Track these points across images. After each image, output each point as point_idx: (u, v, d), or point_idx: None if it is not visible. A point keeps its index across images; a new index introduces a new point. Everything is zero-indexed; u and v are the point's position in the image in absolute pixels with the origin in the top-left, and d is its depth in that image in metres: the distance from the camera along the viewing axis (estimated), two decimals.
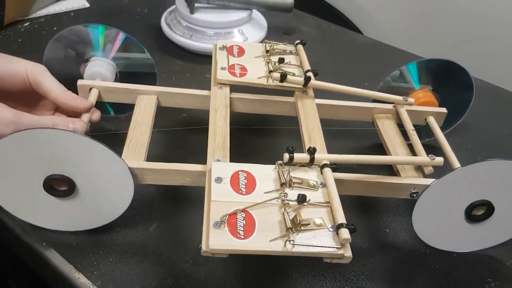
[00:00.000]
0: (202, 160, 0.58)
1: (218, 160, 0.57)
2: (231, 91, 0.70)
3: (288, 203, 0.51)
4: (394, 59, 1.02)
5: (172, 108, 0.73)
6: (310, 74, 0.71)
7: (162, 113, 0.73)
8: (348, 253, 0.48)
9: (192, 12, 0.96)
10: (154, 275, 0.58)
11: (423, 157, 0.65)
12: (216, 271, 0.59)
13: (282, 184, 0.54)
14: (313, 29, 1.13)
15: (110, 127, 0.75)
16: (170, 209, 0.66)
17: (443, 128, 0.75)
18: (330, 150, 0.62)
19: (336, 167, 0.57)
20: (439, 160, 0.64)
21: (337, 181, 0.56)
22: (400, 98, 0.73)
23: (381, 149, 0.73)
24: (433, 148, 0.72)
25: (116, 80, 0.74)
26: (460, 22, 1.36)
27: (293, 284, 0.59)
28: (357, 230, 0.65)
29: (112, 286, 0.57)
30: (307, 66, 0.73)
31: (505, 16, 1.29)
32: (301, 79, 0.69)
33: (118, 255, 0.60)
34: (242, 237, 0.48)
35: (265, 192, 0.53)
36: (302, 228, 0.49)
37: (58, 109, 0.68)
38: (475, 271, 0.64)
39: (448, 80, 0.77)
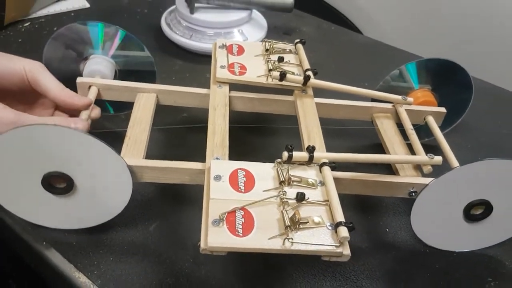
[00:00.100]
0: (202, 159, 0.58)
1: (217, 158, 0.57)
2: (230, 89, 0.70)
3: (287, 201, 0.51)
4: (394, 59, 1.02)
5: (173, 108, 0.73)
6: (309, 73, 0.71)
7: (163, 113, 0.73)
8: (346, 251, 0.49)
9: (192, 12, 0.96)
10: (154, 274, 0.58)
11: (421, 156, 0.65)
12: (216, 270, 0.59)
13: (281, 183, 0.54)
14: (313, 29, 1.13)
15: (109, 126, 0.75)
16: (170, 208, 0.66)
17: (442, 128, 0.75)
18: (329, 149, 0.62)
19: (335, 165, 0.57)
20: (438, 159, 0.64)
21: (336, 180, 0.56)
22: (399, 97, 0.73)
23: (380, 148, 0.73)
24: (432, 148, 0.71)
25: (115, 78, 0.74)
26: (460, 22, 1.36)
27: (293, 283, 0.59)
28: (357, 230, 0.65)
29: (112, 285, 0.57)
30: (306, 65, 0.73)
31: (505, 16, 1.29)
32: (301, 78, 0.69)
33: (118, 254, 0.60)
34: (241, 235, 0.48)
35: (264, 190, 0.53)
36: (301, 226, 0.49)
37: (57, 107, 0.69)
38: (475, 270, 0.64)
39: (447, 80, 0.77)
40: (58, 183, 0.57)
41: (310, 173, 0.56)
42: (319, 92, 0.72)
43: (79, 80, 0.69)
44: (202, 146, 0.60)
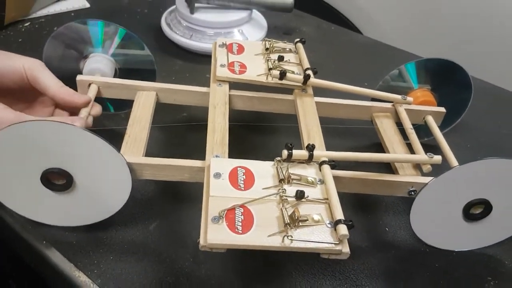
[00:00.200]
0: (202, 157, 0.58)
1: (217, 156, 0.57)
2: (230, 88, 0.70)
3: (287, 199, 0.52)
4: (394, 59, 1.02)
5: (173, 107, 0.73)
6: (309, 72, 0.71)
7: (163, 112, 0.73)
8: (346, 249, 0.49)
9: (192, 12, 0.96)
10: (154, 273, 0.58)
11: (421, 155, 0.65)
12: (216, 269, 0.59)
13: (280, 181, 0.54)
14: (313, 29, 1.13)
15: (110, 124, 0.75)
16: (170, 207, 0.66)
17: (442, 128, 0.75)
18: (328, 148, 0.62)
19: (334, 164, 0.57)
20: (437, 158, 0.64)
21: (335, 179, 0.56)
22: (399, 97, 0.73)
23: (379, 148, 0.73)
24: (431, 147, 0.72)
25: (115, 77, 0.74)
26: (460, 22, 1.36)
27: (292, 282, 0.59)
28: (357, 229, 0.65)
29: (112, 284, 0.57)
30: (306, 64, 0.73)
31: (505, 16, 1.29)
32: (300, 77, 0.69)
33: (118, 253, 0.60)
34: (240, 232, 0.48)
35: (264, 188, 0.53)
36: (300, 224, 0.49)
37: (58, 106, 0.69)
38: (475, 270, 0.64)
39: (446, 80, 0.77)
40: (57, 180, 0.57)
41: (310, 172, 0.56)
42: (319, 91, 0.72)
43: (79, 78, 0.69)
44: (202, 145, 0.60)
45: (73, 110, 0.67)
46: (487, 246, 0.65)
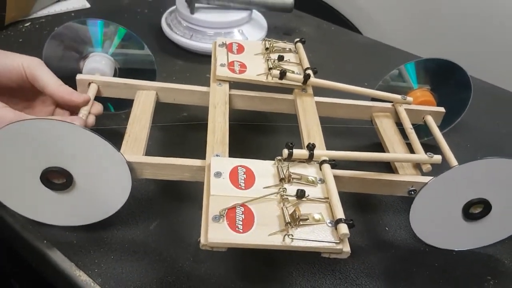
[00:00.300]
0: (202, 157, 0.58)
1: (217, 155, 0.57)
2: (230, 88, 0.70)
3: (287, 198, 0.52)
4: (394, 59, 1.02)
5: (173, 107, 0.73)
6: (309, 71, 0.71)
7: (163, 112, 0.73)
8: (346, 248, 0.49)
9: (192, 12, 0.96)
10: (155, 272, 0.58)
11: (421, 155, 0.65)
12: (217, 268, 0.60)
13: (281, 180, 0.54)
14: (313, 29, 1.13)
15: (110, 124, 0.75)
16: (170, 207, 0.66)
17: (441, 128, 0.75)
18: (329, 148, 0.62)
19: (335, 163, 0.57)
20: (437, 158, 0.64)
21: (336, 178, 0.56)
22: (398, 97, 0.74)
23: (379, 147, 0.73)
24: (431, 147, 0.72)
25: (115, 77, 0.74)
26: (460, 22, 1.36)
27: (292, 281, 0.60)
28: (357, 228, 0.65)
29: (113, 283, 0.57)
30: (306, 64, 0.73)
31: (504, 16, 1.29)
32: (300, 77, 0.69)
33: (119, 253, 0.60)
34: (241, 231, 0.48)
35: (264, 187, 0.53)
36: (301, 223, 0.49)
37: (58, 105, 0.69)
38: (474, 269, 0.64)
39: (446, 80, 0.77)
40: (57, 179, 0.57)
41: (310, 171, 0.56)
42: (319, 91, 0.72)
43: (78, 77, 0.69)
44: (202, 145, 0.60)
45: (74, 110, 0.67)
46: (486, 246, 0.65)
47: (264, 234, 0.48)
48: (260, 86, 0.71)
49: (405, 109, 0.74)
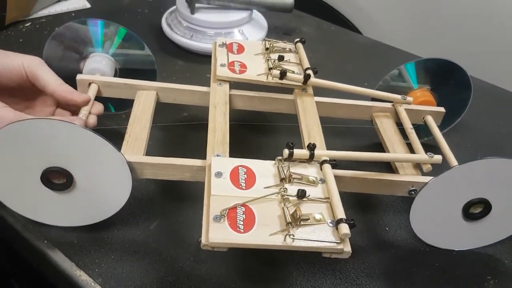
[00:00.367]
0: (203, 158, 0.59)
1: (217, 155, 0.57)
2: (230, 88, 0.71)
3: (288, 198, 0.52)
4: (394, 59, 1.02)
5: (174, 107, 0.73)
6: (309, 71, 0.71)
7: (163, 112, 0.73)
8: (347, 248, 0.49)
9: (192, 12, 0.96)
10: (155, 272, 0.58)
11: (421, 155, 0.65)
12: (217, 268, 0.60)
13: (281, 180, 0.54)
14: (313, 29, 1.13)
15: (110, 124, 0.75)
16: (171, 207, 0.66)
17: (441, 127, 0.75)
18: (329, 148, 0.62)
19: (335, 163, 0.57)
20: (438, 158, 0.64)
21: (336, 178, 0.56)
22: (398, 97, 0.74)
23: (380, 147, 0.73)
24: (431, 147, 0.72)
25: (115, 77, 0.74)
26: (460, 22, 1.36)
27: (293, 281, 0.60)
28: (357, 228, 0.65)
29: (113, 283, 0.57)
30: (306, 64, 0.73)
31: (505, 16, 1.29)
32: (301, 77, 0.69)
33: (119, 252, 0.60)
34: (242, 231, 0.48)
35: (265, 187, 0.53)
36: (302, 223, 0.49)
37: (59, 105, 0.69)
38: (474, 269, 0.64)
39: (446, 80, 0.77)
40: (57, 179, 0.57)
41: (311, 171, 0.56)
42: (319, 91, 0.72)
43: (79, 77, 0.69)
44: (203, 145, 0.60)
45: (74, 110, 0.67)
46: (486, 246, 0.65)
47: (265, 234, 0.48)
48: (260, 86, 0.71)
49: (405, 109, 0.74)
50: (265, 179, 0.54)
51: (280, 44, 0.78)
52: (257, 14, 1.06)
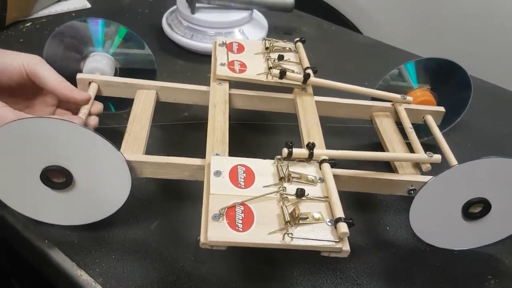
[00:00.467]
0: (202, 156, 0.59)
1: (217, 154, 0.57)
2: (230, 87, 0.71)
3: (287, 197, 0.52)
4: (394, 58, 1.02)
5: (174, 107, 0.73)
6: (309, 71, 0.71)
7: (164, 112, 0.73)
8: (346, 247, 0.49)
9: (193, 12, 0.96)
10: (156, 272, 0.58)
11: (421, 154, 0.65)
12: (218, 268, 0.60)
13: (281, 179, 0.54)
14: (314, 29, 1.13)
15: (111, 123, 0.75)
16: (171, 207, 0.66)
17: (441, 127, 0.75)
18: (328, 147, 0.62)
19: (335, 162, 0.57)
20: (437, 157, 0.64)
21: (335, 177, 0.56)
22: (398, 96, 0.74)
23: (379, 147, 0.73)
24: (431, 147, 0.72)
25: (116, 76, 0.74)
26: (460, 22, 1.36)
27: (294, 281, 0.60)
28: (358, 228, 0.65)
29: (114, 283, 0.57)
30: (306, 64, 0.73)
31: (505, 16, 1.29)
32: (300, 76, 0.69)
33: (120, 252, 0.60)
34: (241, 229, 0.48)
35: (264, 186, 0.53)
36: (301, 221, 0.49)
37: (59, 105, 0.69)
38: (475, 268, 0.64)
39: (446, 79, 0.77)
40: (57, 178, 0.57)
41: (310, 170, 0.57)
42: (319, 90, 0.72)
43: (79, 76, 0.69)
44: (203, 144, 0.60)
45: (74, 111, 0.67)
46: (487, 245, 0.65)
47: (264, 233, 0.48)
48: (260, 86, 0.71)
49: (405, 108, 0.74)
50: (264, 178, 0.54)
51: (280, 43, 0.78)
52: (257, 14, 1.06)
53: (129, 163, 0.56)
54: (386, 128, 0.73)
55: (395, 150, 0.69)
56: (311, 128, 0.65)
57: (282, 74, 0.68)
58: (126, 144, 0.61)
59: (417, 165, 0.66)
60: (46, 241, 0.60)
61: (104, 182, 0.57)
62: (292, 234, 0.48)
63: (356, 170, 0.61)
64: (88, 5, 1.08)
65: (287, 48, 0.77)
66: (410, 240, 0.66)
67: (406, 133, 0.71)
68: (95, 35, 0.72)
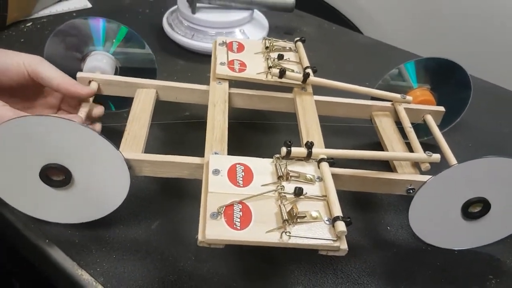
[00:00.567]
0: (202, 155, 0.59)
1: (216, 153, 0.58)
2: (230, 86, 0.71)
3: (285, 195, 0.52)
4: (395, 58, 1.01)
5: (175, 106, 0.74)
6: (309, 70, 0.71)
7: (165, 111, 0.73)
8: (344, 245, 0.49)
9: (193, 12, 0.96)
10: (157, 271, 0.59)
11: (420, 153, 0.65)
12: (218, 268, 0.60)
13: (279, 177, 0.54)
14: (314, 29, 1.13)
15: (111, 123, 0.75)
16: (172, 206, 0.66)
17: (441, 127, 0.75)
18: (328, 147, 0.62)
19: (333, 161, 0.57)
20: (436, 156, 0.64)
21: (334, 176, 0.56)
22: (398, 96, 0.74)
23: (379, 146, 0.73)
24: (431, 146, 0.72)
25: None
26: (460, 22, 1.36)
27: (294, 280, 0.60)
28: (359, 228, 0.65)
29: (115, 282, 0.57)
30: (306, 63, 0.73)
31: (505, 16, 1.29)
32: (300, 75, 0.69)
33: (121, 252, 0.60)
34: (239, 228, 0.48)
35: (262, 185, 0.53)
36: (299, 220, 0.49)
37: (60, 108, 0.69)
38: (476, 268, 0.64)
39: (446, 79, 0.77)
40: (56, 176, 0.57)
41: (309, 169, 0.57)
42: (318, 90, 0.72)
43: (79, 74, 0.69)
44: (203, 143, 0.60)
45: (76, 113, 0.67)
46: (488, 245, 0.65)
47: (262, 231, 0.48)
48: (259, 85, 0.71)
49: (404, 108, 0.74)
50: (263, 176, 0.54)
51: (280, 43, 0.78)
52: (258, 14, 1.06)
53: (127, 161, 0.56)
54: (385, 127, 0.73)
55: (394, 149, 0.69)
56: (310, 128, 0.65)
57: (282, 73, 0.68)
58: (125, 142, 0.61)
59: (416, 165, 0.66)
60: (47, 240, 0.60)
61: (103, 180, 0.57)
62: (290, 233, 0.48)
63: (355, 169, 0.61)
64: (89, 5, 1.09)
65: (287, 48, 0.77)
66: (411, 240, 0.66)
67: (406, 132, 0.71)
68: (96, 34, 0.73)
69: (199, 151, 0.60)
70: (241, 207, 0.50)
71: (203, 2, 0.98)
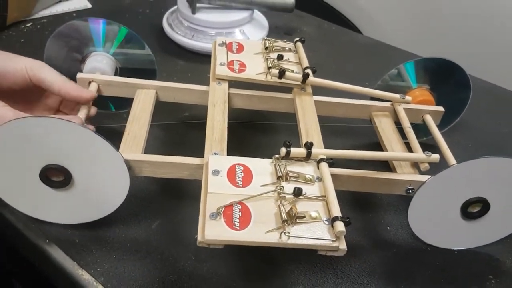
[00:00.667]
0: (201, 156, 0.59)
1: (215, 154, 0.58)
2: (229, 87, 0.71)
3: (284, 196, 0.52)
4: (395, 59, 1.01)
5: (175, 107, 0.74)
6: (308, 71, 0.71)
7: (164, 112, 0.73)
8: (343, 245, 0.49)
9: (193, 12, 0.96)
10: (157, 271, 0.59)
11: (419, 153, 0.65)
12: (218, 268, 0.60)
13: (278, 178, 0.54)
14: (314, 29, 1.13)
15: (111, 123, 0.76)
16: (172, 206, 0.66)
17: (441, 127, 0.75)
18: (327, 147, 0.62)
19: (332, 161, 0.57)
20: (435, 157, 0.64)
21: (333, 177, 0.56)
22: (397, 96, 0.74)
23: (378, 146, 0.73)
24: (430, 147, 0.72)
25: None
26: (460, 22, 1.36)
27: (294, 280, 0.60)
28: (359, 228, 0.65)
29: (115, 282, 0.57)
30: (305, 63, 0.73)
31: (505, 17, 1.29)
32: (300, 76, 0.69)
33: (121, 252, 0.60)
34: (238, 228, 0.48)
35: (262, 185, 0.53)
36: (298, 220, 0.49)
37: (60, 110, 0.69)
38: (476, 268, 0.64)
39: (445, 79, 0.77)
40: (56, 177, 0.57)
41: (308, 169, 0.57)
42: (318, 90, 0.72)
43: (79, 75, 0.69)
44: (203, 144, 0.60)
45: (73, 113, 0.67)
46: (488, 245, 0.65)
47: (261, 232, 0.48)
48: (259, 85, 0.71)
49: (404, 108, 0.74)
50: (262, 177, 0.54)
51: (280, 43, 0.78)
52: (258, 14, 1.06)
53: (127, 162, 0.56)
54: (385, 127, 0.73)
55: (393, 149, 0.69)
56: (310, 128, 0.65)
57: (281, 73, 0.68)
58: (125, 143, 0.61)
59: (415, 165, 0.66)
60: (47, 240, 0.60)
61: (103, 181, 0.57)
62: (289, 233, 0.48)
63: (355, 169, 0.61)
64: (89, 5, 1.09)
65: (287, 48, 0.77)
66: (411, 240, 0.66)
67: (405, 132, 0.71)
68: (96, 35, 0.73)
69: (199, 151, 0.60)
70: (240, 207, 0.50)
71: (203, 2, 0.98)
